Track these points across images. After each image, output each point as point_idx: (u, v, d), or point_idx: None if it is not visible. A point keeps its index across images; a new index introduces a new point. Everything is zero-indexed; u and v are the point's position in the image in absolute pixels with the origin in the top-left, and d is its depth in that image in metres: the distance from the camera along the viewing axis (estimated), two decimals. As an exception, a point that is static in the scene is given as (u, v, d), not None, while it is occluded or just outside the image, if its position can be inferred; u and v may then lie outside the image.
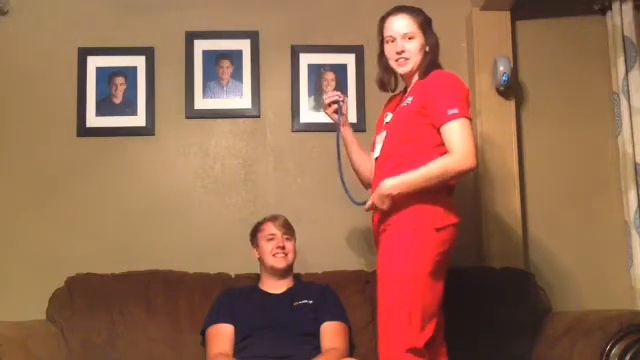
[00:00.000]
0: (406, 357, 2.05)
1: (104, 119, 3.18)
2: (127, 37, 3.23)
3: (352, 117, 3.22)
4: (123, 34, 3.24)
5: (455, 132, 2.14)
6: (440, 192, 2.17)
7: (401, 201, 2.16)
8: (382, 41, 2.36)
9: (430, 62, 2.30)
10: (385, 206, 2.17)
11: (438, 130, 2.18)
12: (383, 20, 2.34)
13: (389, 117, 2.37)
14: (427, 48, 2.30)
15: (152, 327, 2.72)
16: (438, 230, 2.12)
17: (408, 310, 2.07)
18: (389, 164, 2.24)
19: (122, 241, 3.09)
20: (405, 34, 2.28)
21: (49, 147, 3.15)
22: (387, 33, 2.32)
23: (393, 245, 2.16)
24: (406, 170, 2.16)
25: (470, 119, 2.19)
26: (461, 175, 2.17)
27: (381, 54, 2.40)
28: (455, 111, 2.14)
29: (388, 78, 2.43)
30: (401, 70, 2.32)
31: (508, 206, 3.12)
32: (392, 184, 2.16)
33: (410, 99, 2.27)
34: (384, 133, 2.34)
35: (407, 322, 2.06)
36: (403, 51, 2.28)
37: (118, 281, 2.82)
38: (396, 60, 2.31)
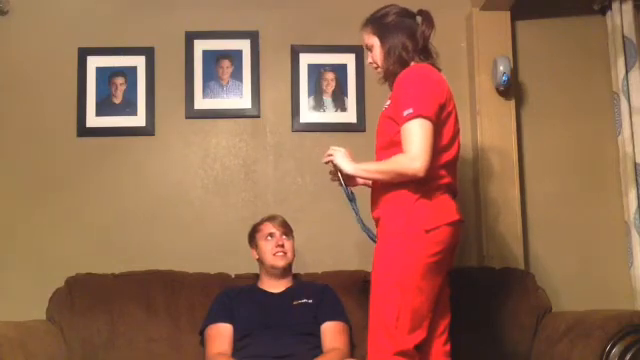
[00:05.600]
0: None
1: (104, 119, 3.18)
2: (127, 37, 3.23)
3: (352, 117, 3.23)
4: (123, 34, 3.24)
5: (407, 134, 2.06)
6: (435, 191, 2.14)
7: (393, 202, 2.15)
8: None
9: (395, 62, 2.23)
10: (329, 159, 2.26)
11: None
12: None
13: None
14: (387, 50, 2.25)
15: (152, 327, 2.72)
16: (428, 232, 2.07)
17: (397, 313, 2.05)
18: None
19: (122, 241, 3.09)
20: (366, 46, 2.32)
21: (49, 147, 3.15)
22: None
23: (384, 247, 2.14)
24: None
25: (428, 116, 2.05)
26: (403, 177, 2.08)
27: None
28: (410, 111, 2.06)
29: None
30: (383, 81, 2.33)
31: (508, 206, 3.12)
32: (353, 166, 2.21)
33: (387, 103, 2.25)
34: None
35: (395, 325, 2.04)
36: (370, 62, 2.33)
37: (118, 281, 2.82)
38: (376, 70, 2.33)
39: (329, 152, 2.29)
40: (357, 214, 2.34)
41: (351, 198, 2.37)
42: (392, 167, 2.11)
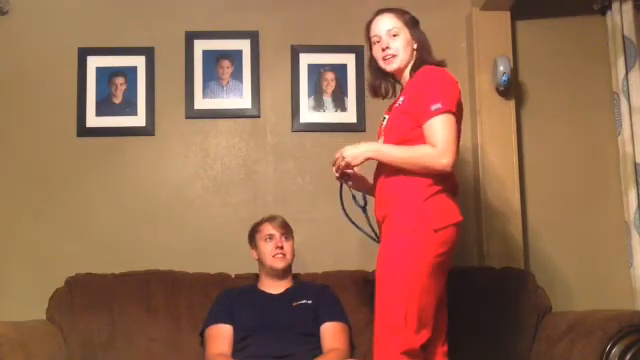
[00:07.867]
0: (401, 359, 2.04)
1: (104, 119, 3.18)
2: (127, 37, 3.23)
3: (352, 117, 3.23)
4: (123, 34, 3.24)
5: (437, 128, 2.10)
6: (442, 191, 2.14)
7: (402, 200, 2.15)
8: (370, 46, 2.35)
9: (419, 60, 2.26)
10: (346, 161, 2.19)
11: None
12: (369, 24, 2.34)
13: (386, 120, 2.34)
14: (415, 45, 2.27)
15: (152, 327, 2.72)
16: (437, 231, 2.08)
17: (404, 312, 2.04)
18: (388, 167, 2.20)
19: (122, 241, 3.09)
20: (389, 30, 2.27)
21: (49, 147, 3.15)
22: (372, 34, 2.31)
23: (391, 245, 2.13)
24: (404, 174, 2.14)
25: (454, 113, 2.13)
26: (428, 171, 2.11)
27: (370, 58, 2.38)
28: (438, 106, 2.09)
29: (379, 83, 2.39)
30: (389, 68, 2.28)
31: (508, 206, 3.12)
32: (372, 148, 2.19)
33: (402, 99, 2.25)
34: (383, 137, 2.31)
35: (403, 324, 2.04)
36: (388, 47, 2.26)
37: (118, 281, 2.82)
38: (383, 58, 2.28)
39: (343, 157, 2.21)
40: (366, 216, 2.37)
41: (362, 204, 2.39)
42: (419, 159, 2.12)
